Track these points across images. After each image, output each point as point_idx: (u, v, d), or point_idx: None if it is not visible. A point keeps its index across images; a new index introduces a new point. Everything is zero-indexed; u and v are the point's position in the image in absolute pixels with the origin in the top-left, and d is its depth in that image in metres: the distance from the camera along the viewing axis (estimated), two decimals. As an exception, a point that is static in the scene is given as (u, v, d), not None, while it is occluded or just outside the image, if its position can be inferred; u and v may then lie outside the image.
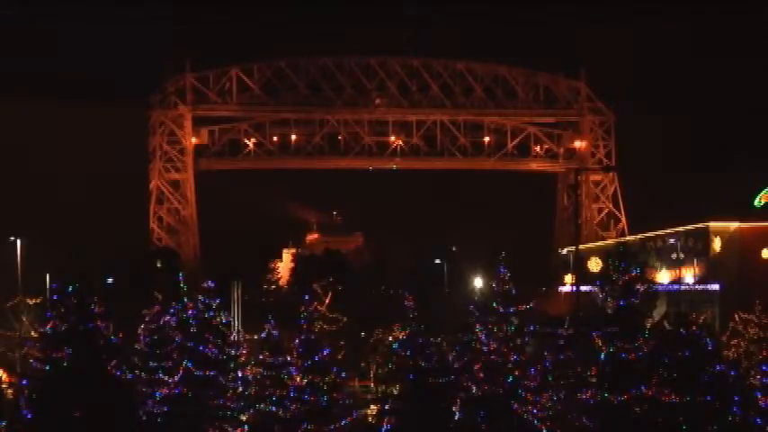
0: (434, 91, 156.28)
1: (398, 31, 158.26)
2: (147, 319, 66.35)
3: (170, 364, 64.84)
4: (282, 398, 64.63)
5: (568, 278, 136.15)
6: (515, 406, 63.82)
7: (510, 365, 64.68)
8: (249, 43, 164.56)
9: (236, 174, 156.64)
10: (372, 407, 74.01)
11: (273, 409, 64.62)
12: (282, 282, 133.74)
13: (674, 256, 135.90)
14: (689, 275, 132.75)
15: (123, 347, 64.47)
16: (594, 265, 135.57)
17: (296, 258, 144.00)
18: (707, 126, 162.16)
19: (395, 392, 66.96)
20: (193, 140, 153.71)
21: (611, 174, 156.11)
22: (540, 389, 64.55)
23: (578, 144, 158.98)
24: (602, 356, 64.69)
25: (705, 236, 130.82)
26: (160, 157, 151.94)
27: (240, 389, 66.30)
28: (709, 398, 63.67)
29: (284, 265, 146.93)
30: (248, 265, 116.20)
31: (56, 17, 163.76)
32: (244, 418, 65.40)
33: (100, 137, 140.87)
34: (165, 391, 64.19)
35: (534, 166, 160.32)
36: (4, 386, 79.36)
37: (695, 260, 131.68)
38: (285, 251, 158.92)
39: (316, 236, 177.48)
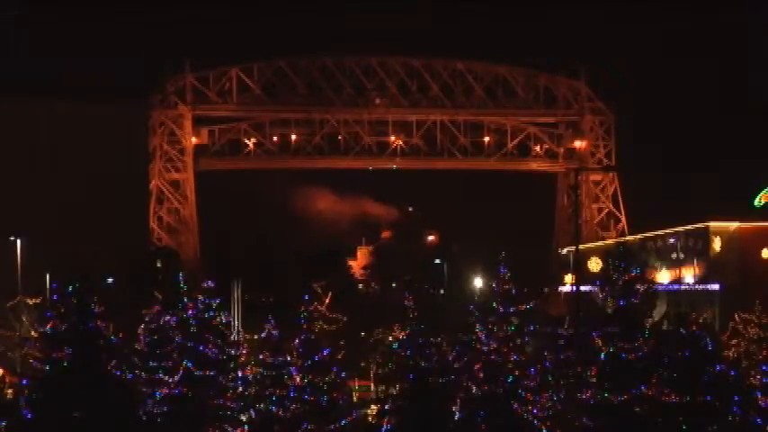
0: (434, 91, 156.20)
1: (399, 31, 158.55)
2: (147, 319, 66.33)
3: (170, 364, 64.83)
4: (282, 398, 64.65)
5: (568, 278, 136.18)
6: (515, 406, 63.82)
7: (510, 365, 64.69)
8: (249, 43, 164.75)
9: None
10: (372, 407, 74.06)
11: (273, 409, 64.64)
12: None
13: (674, 256, 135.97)
14: (689, 275, 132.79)
15: (123, 347, 64.47)
16: (594, 265, 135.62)
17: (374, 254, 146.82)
18: (706, 126, 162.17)
19: (395, 392, 66.97)
20: (193, 140, 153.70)
21: (611, 174, 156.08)
22: (540, 389, 64.57)
23: (578, 144, 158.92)
24: (602, 356, 64.73)
25: (705, 236, 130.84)
26: (160, 157, 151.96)
27: (240, 389, 66.31)
28: (709, 398, 63.70)
29: (358, 264, 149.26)
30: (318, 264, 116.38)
31: (56, 17, 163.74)
32: (244, 418, 65.43)
33: (100, 137, 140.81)
34: (165, 391, 64.20)
35: (534, 166, 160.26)
36: (4, 386, 79.40)
37: (695, 260, 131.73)
38: (360, 248, 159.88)
39: (389, 233, 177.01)
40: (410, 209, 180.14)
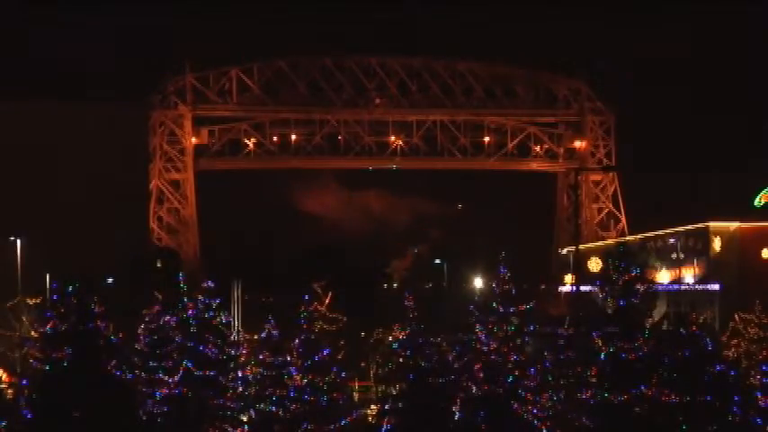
0: (434, 91, 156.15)
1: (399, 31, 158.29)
2: (147, 319, 66.35)
3: (170, 364, 64.85)
4: (282, 398, 64.66)
5: (568, 278, 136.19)
6: (515, 406, 63.83)
7: (510, 365, 64.68)
8: (249, 43, 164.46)
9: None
10: (372, 407, 74.11)
11: (273, 409, 64.65)
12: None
13: (674, 256, 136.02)
14: (689, 275, 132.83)
15: (123, 347, 64.47)
16: (594, 265, 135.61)
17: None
18: (707, 126, 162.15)
19: (395, 392, 66.98)
20: (193, 140, 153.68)
21: (611, 174, 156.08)
22: (540, 389, 64.56)
23: (578, 144, 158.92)
24: (602, 356, 64.72)
25: (705, 236, 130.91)
26: (160, 157, 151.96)
27: (240, 389, 66.32)
28: (709, 398, 63.70)
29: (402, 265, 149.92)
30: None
31: (56, 17, 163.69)
32: (244, 418, 65.44)
33: (100, 137, 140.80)
34: (165, 391, 64.21)
35: (534, 166, 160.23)
36: (4, 386, 79.47)
37: (695, 260, 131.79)
38: (409, 249, 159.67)
39: (438, 232, 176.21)
40: (459, 206, 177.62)
